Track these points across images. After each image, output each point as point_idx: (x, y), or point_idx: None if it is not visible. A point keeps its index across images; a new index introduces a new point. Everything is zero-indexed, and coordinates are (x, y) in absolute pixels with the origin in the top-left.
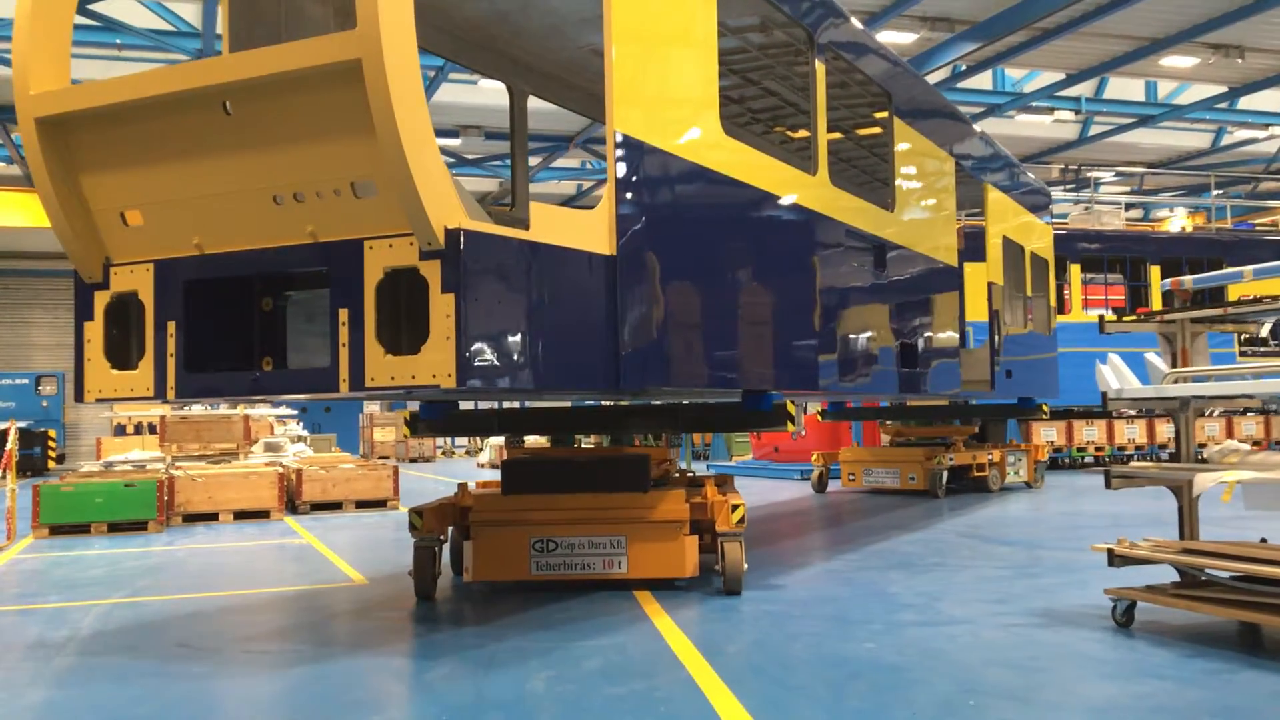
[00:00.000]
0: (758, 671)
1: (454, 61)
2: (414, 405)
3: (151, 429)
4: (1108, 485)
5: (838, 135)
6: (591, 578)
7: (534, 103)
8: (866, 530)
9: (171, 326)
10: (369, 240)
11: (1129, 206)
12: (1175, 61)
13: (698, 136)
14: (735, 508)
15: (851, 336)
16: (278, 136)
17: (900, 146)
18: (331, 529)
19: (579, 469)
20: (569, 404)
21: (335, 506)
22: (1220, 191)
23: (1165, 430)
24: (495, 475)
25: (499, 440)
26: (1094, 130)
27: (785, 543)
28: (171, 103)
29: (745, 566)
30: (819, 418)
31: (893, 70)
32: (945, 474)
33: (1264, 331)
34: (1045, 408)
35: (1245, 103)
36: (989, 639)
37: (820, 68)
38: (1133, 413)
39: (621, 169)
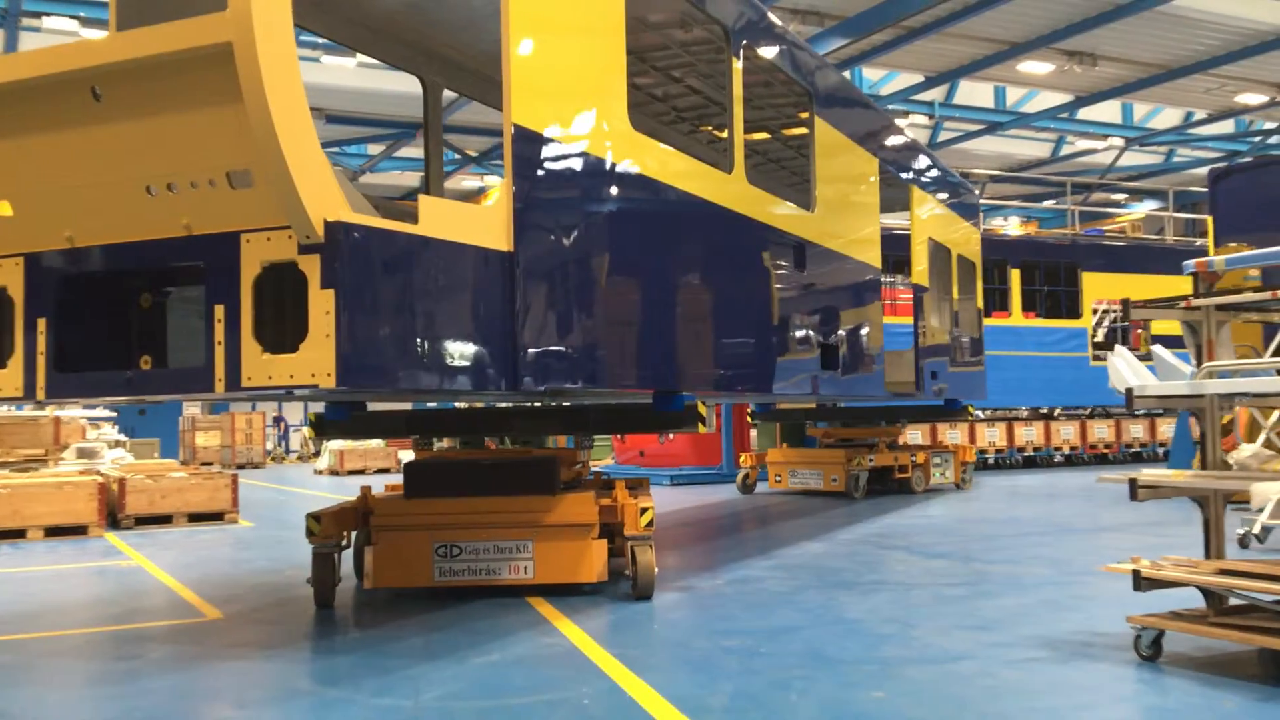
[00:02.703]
0: None
1: (364, 53)
2: (317, 406)
3: None
4: (1133, 497)
5: (764, 135)
6: (497, 583)
7: (376, 83)
8: (780, 538)
9: (42, 324)
10: (246, 233)
11: None
12: (1031, 67)
13: (603, 130)
14: (644, 510)
15: (767, 337)
16: (149, 123)
17: (821, 146)
18: (164, 547)
19: (485, 471)
20: (480, 405)
21: (164, 520)
22: (1053, 202)
23: (1024, 433)
24: (334, 482)
25: (340, 445)
26: (943, 136)
27: (700, 551)
28: (38, 87)
29: (655, 570)
30: (749, 419)
31: (814, 69)
32: (864, 476)
33: (1100, 336)
34: (971, 409)
35: (1085, 114)
36: (1010, 681)
37: (737, 65)
38: (982, 416)
39: (520, 163)
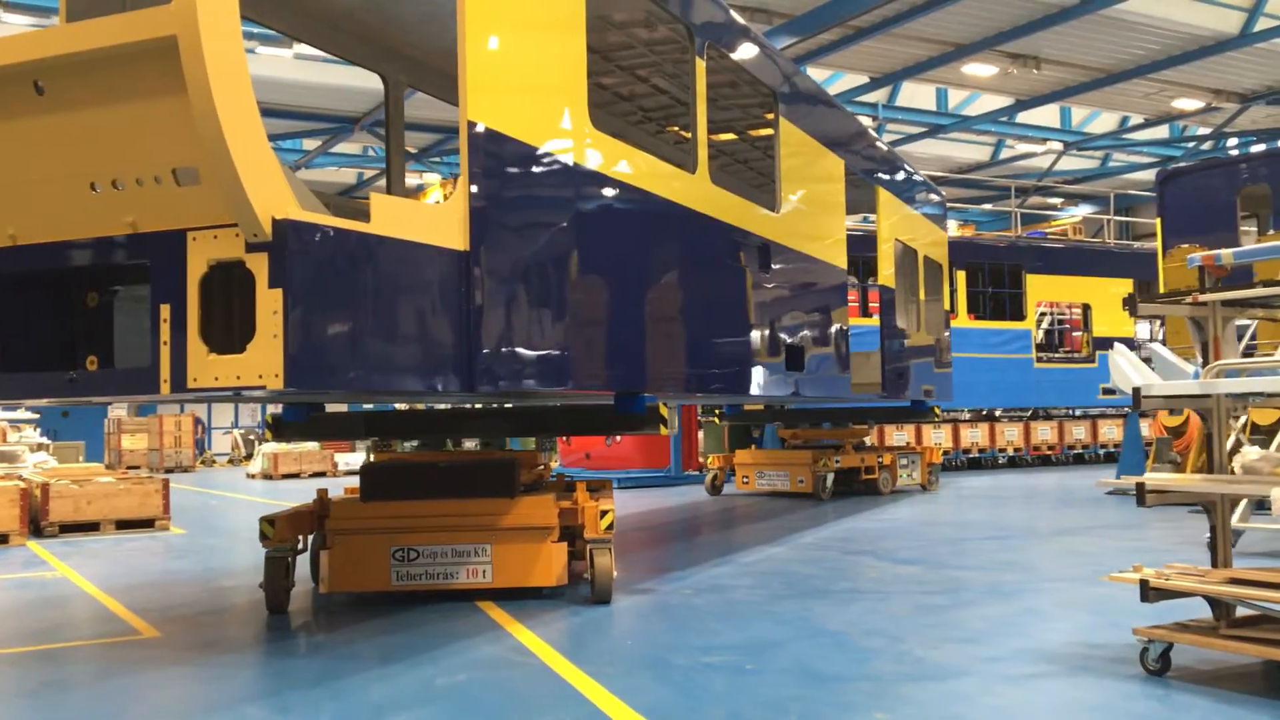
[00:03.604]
0: None
1: (323, 49)
2: (275, 408)
3: None
4: (1140, 502)
5: (730, 136)
6: (455, 587)
7: (313, 76)
8: (746, 542)
9: None
10: (192, 231)
11: None
12: (975, 69)
13: (561, 128)
14: (604, 513)
15: (730, 338)
16: (93, 119)
17: (785, 146)
18: (91, 557)
19: (443, 474)
20: (442, 407)
21: (91, 528)
22: (990, 205)
23: (969, 435)
24: (267, 486)
25: (273, 448)
26: (885, 138)
27: (666, 555)
28: None
29: (615, 574)
30: (716, 420)
31: (778, 70)
32: (830, 477)
33: (1040, 338)
34: (938, 410)
35: (1024, 117)
36: (1016, 700)
37: (700, 65)
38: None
39: (476, 161)
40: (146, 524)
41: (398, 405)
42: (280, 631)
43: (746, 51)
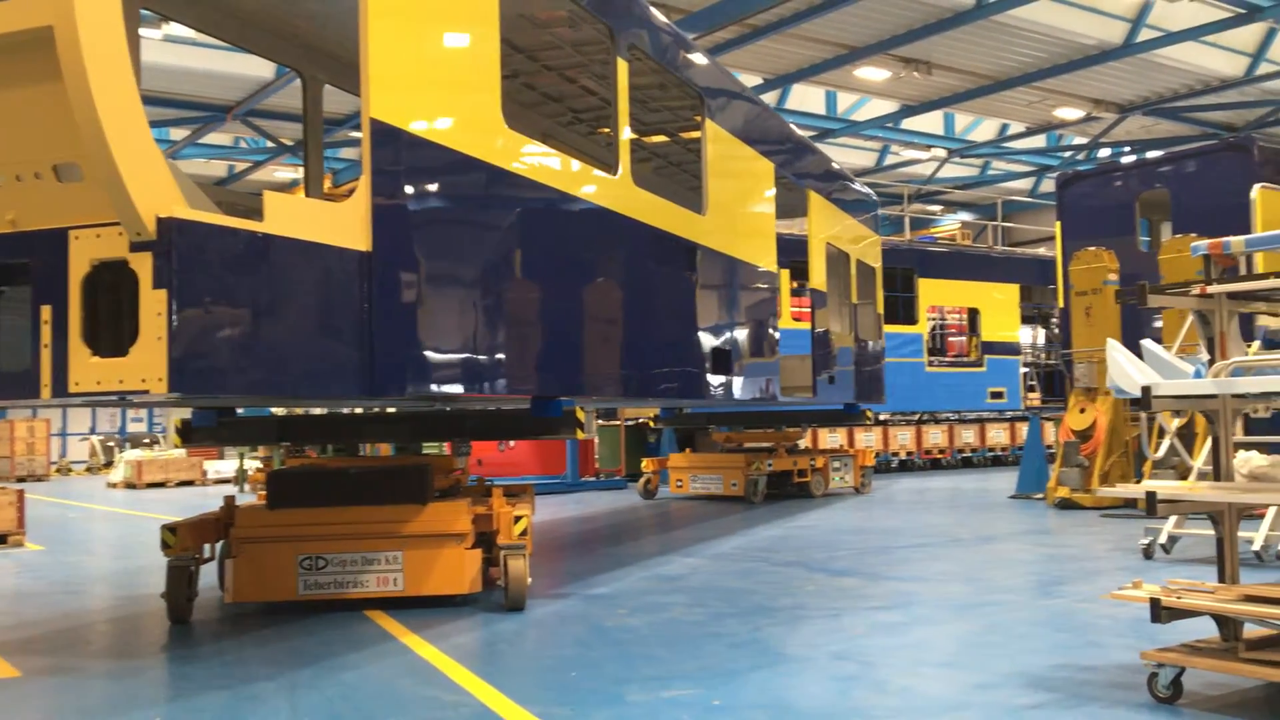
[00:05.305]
0: None
1: (240, 47)
2: (184, 412)
3: None
4: (1150, 513)
5: (659, 138)
6: (365, 596)
7: (183, 60)
8: (675, 549)
9: None
10: (75, 230)
11: None
12: (868, 73)
13: (471, 126)
14: (518, 519)
15: (654, 341)
16: None
17: (713, 149)
18: None
19: (353, 480)
20: (357, 411)
21: None
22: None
23: (864, 439)
24: (130, 496)
25: (137, 455)
26: None
27: (594, 565)
28: None
29: (529, 581)
30: (651, 423)
31: (705, 73)
32: (762, 481)
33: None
34: (869, 414)
35: (909, 124)
36: None
37: (622, 65)
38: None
39: (379, 159)
40: None
41: (274, 409)
42: (164, 656)
43: (671, 52)
